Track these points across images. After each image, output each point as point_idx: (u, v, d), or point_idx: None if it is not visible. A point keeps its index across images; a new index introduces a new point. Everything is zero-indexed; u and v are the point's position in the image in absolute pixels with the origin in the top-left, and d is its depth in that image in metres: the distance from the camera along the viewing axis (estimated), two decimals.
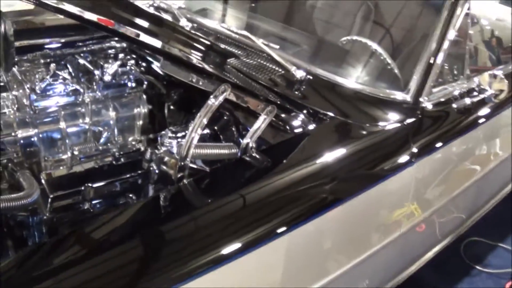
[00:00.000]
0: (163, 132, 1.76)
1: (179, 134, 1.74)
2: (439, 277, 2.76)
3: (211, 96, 1.60)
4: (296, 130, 1.73)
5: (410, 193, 1.91)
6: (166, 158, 1.62)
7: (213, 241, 1.25)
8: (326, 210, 1.52)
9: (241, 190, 1.40)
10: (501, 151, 2.55)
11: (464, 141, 2.14)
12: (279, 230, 1.35)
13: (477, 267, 2.87)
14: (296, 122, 1.76)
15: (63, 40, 2.20)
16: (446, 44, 1.98)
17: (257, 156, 1.56)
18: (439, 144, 1.95)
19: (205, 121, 1.57)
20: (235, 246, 1.26)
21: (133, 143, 2.01)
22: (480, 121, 2.21)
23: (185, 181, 1.50)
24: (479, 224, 2.83)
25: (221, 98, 1.60)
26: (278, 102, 1.75)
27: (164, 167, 1.62)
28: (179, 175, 1.55)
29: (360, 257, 1.74)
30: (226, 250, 1.25)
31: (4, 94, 1.88)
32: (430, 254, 2.40)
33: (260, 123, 1.60)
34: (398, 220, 1.89)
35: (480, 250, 2.98)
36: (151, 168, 1.73)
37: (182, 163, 1.52)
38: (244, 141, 1.60)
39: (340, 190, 1.62)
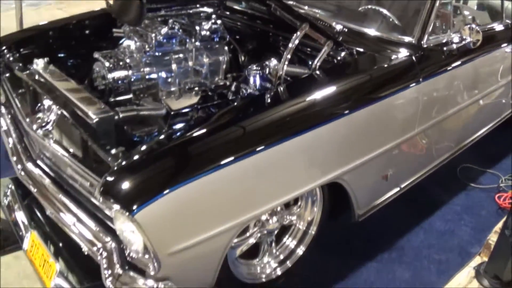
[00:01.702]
0: (249, 67, 2.62)
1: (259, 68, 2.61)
2: (441, 190, 3.59)
3: (298, 31, 2.45)
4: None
5: (419, 106, 2.74)
6: (272, 68, 2.49)
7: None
8: (354, 111, 2.35)
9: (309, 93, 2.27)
10: (483, 87, 3.39)
11: (454, 74, 2.97)
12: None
13: (471, 184, 3.70)
14: (341, 55, 2.62)
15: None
16: (437, 4, 2.82)
17: (320, 74, 2.43)
18: (438, 71, 2.79)
19: (294, 45, 2.44)
20: None
21: (220, 80, 2.83)
22: (464, 60, 3.03)
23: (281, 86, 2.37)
24: (471, 152, 3.68)
25: (303, 32, 2.45)
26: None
27: (268, 75, 2.49)
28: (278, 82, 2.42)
29: (377, 151, 2.56)
30: None
31: (130, 42, 2.70)
32: (432, 166, 3.22)
33: (324, 51, 2.46)
34: (407, 126, 2.73)
35: (472, 174, 3.81)
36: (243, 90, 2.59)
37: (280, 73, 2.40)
38: (315, 62, 2.47)
39: (368, 96, 2.45)
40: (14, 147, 2.66)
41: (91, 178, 2.07)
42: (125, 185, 1.78)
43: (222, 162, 1.89)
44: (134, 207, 1.71)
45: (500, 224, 2.98)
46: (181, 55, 2.72)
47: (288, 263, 2.63)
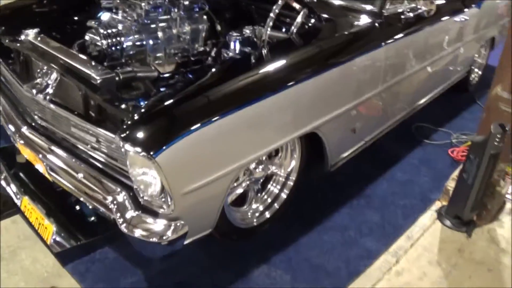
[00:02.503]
0: (230, 33, 2.88)
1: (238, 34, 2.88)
2: (399, 146, 3.96)
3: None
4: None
5: (381, 67, 3.05)
6: (257, 32, 2.79)
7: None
8: (328, 69, 2.64)
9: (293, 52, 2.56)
10: (436, 53, 3.74)
11: (411, 39, 3.30)
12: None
13: (426, 141, 4.08)
14: (311, 21, 2.90)
15: None
16: None
17: (297, 38, 2.72)
18: (397, 37, 3.11)
19: (276, 12, 2.74)
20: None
21: (199, 47, 3.07)
22: (419, 27, 3.36)
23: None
24: (424, 113, 4.06)
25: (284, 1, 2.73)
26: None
27: (253, 39, 2.76)
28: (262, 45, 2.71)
29: (347, 105, 2.88)
30: None
31: (107, 14, 2.91)
32: (391, 122, 3.57)
33: (300, 17, 2.76)
34: (372, 85, 3.05)
35: (426, 131, 4.20)
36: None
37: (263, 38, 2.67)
38: (292, 28, 2.75)
39: (336, 57, 2.74)
40: (6, 114, 2.83)
41: (100, 133, 2.27)
42: (145, 131, 2.01)
43: (223, 113, 2.15)
44: (156, 150, 1.95)
45: (456, 172, 3.36)
46: (166, 24, 2.93)
47: (276, 205, 2.93)
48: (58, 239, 2.66)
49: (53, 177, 2.57)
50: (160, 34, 2.89)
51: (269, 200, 2.92)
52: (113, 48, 2.74)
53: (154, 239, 2.12)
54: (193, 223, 2.24)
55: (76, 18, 3.30)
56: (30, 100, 2.65)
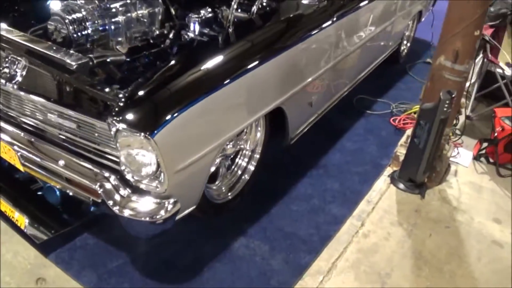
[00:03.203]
0: (189, 15, 2.90)
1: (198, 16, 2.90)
2: (343, 118, 4.16)
3: None
4: None
5: (333, 42, 3.19)
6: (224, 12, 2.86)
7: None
8: (291, 47, 2.74)
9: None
10: (374, 28, 3.94)
11: (354, 16, 3.44)
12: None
13: (368, 112, 4.30)
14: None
15: None
16: None
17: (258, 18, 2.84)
18: (343, 13, 3.25)
19: None
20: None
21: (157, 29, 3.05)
22: (360, 4, 3.53)
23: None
24: (362, 85, 4.26)
25: None
26: None
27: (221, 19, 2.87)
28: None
29: (306, 80, 3.01)
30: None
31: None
32: (339, 94, 3.74)
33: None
34: (326, 59, 3.18)
35: (367, 103, 4.42)
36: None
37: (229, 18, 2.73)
38: (253, 8, 2.83)
39: (295, 34, 2.85)
40: None
41: (83, 118, 2.24)
42: (140, 112, 2.04)
43: (205, 92, 2.22)
44: (152, 130, 1.98)
45: (403, 139, 3.58)
46: (125, 8, 2.89)
47: (246, 176, 3.01)
48: (32, 231, 2.62)
49: (27, 167, 2.51)
50: (120, 18, 2.85)
51: (239, 172, 3.00)
52: (79, 34, 2.67)
53: (148, 219, 2.14)
54: (181, 201, 2.27)
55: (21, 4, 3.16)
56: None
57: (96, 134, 2.26)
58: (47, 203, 2.73)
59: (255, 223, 2.91)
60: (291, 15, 2.95)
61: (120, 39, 2.85)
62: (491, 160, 3.78)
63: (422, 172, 3.25)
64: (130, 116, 2.01)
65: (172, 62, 2.39)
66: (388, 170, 3.51)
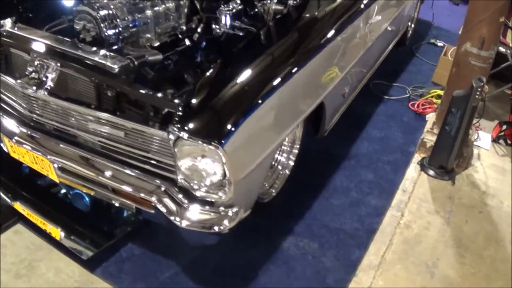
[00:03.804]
0: (220, 8, 2.81)
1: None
2: (364, 105, 4.17)
3: None
4: None
5: (362, 32, 3.19)
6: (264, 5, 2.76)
7: None
8: (331, 41, 2.73)
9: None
10: (390, 15, 3.94)
11: (376, 5, 3.44)
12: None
13: (385, 97, 4.31)
14: None
15: None
16: None
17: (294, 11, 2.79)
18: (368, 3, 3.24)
19: None
20: None
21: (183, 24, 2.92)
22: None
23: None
24: (379, 72, 4.26)
25: None
26: None
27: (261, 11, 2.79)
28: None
29: (343, 72, 3.00)
30: None
31: None
32: (364, 82, 3.75)
33: None
34: (357, 50, 3.19)
35: (383, 88, 4.43)
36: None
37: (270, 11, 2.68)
38: (290, 2, 2.78)
39: (340, 25, 2.85)
40: None
41: (132, 126, 2.17)
42: (207, 120, 2.00)
43: (265, 94, 2.19)
44: (223, 138, 1.93)
45: (428, 125, 3.62)
46: (152, 2, 2.76)
47: (287, 171, 2.96)
48: (71, 244, 2.53)
49: (63, 178, 2.42)
50: (149, 12, 2.72)
51: (280, 168, 2.97)
52: (110, 32, 2.53)
53: (215, 229, 2.11)
54: (242, 207, 2.24)
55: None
56: (26, 97, 2.44)
57: (147, 142, 2.19)
58: (78, 211, 2.68)
59: (300, 220, 2.92)
60: (326, 7, 2.91)
61: (149, 35, 2.72)
62: (509, 142, 3.85)
63: (454, 158, 3.29)
64: (196, 125, 1.96)
65: (219, 61, 2.31)
66: (416, 157, 3.55)
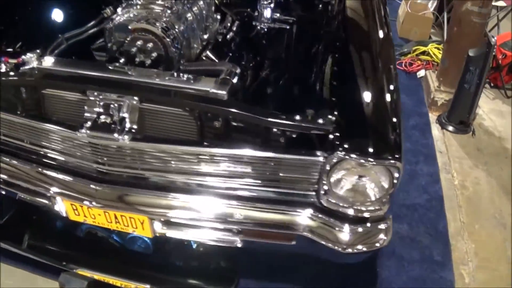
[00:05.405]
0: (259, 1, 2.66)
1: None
2: None
3: None
4: None
5: None
6: None
7: None
8: None
9: None
10: None
11: None
12: None
13: None
14: None
15: None
16: None
17: None
18: None
19: None
20: None
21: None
22: None
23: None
24: None
25: None
26: None
27: None
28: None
29: None
30: None
31: None
32: None
33: None
34: None
35: None
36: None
37: None
38: None
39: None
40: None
41: (275, 156, 1.92)
42: (378, 138, 1.88)
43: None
44: (398, 153, 1.82)
45: (435, 84, 3.82)
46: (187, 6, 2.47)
47: None
48: None
49: (163, 232, 2.11)
50: (190, 17, 2.41)
51: None
52: (177, 46, 2.24)
53: (377, 245, 2.02)
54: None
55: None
56: (93, 147, 1.98)
57: (283, 171, 1.95)
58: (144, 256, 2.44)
59: None
60: None
61: (195, 45, 2.44)
62: (492, 85, 4.18)
63: (474, 112, 3.54)
64: (366, 144, 1.83)
65: (329, 68, 2.18)
66: (431, 117, 3.74)
